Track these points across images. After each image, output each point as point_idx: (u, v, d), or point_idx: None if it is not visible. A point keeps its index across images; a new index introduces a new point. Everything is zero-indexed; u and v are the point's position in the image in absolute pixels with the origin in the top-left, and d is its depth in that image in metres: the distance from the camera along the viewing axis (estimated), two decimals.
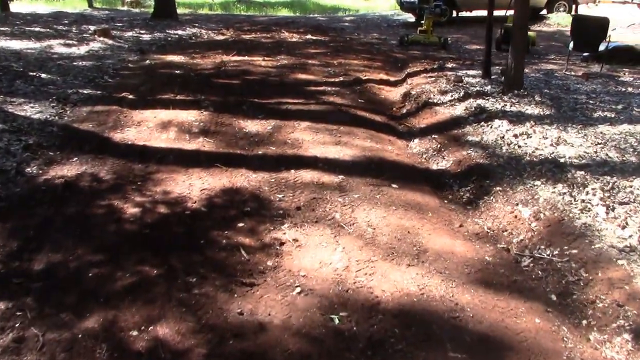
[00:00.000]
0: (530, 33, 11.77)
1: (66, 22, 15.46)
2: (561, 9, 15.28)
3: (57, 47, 11.07)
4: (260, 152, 5.59)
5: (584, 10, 15.51)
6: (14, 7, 18.89)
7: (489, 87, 7.73)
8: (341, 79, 8.96)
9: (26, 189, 4.71)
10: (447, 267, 3.63)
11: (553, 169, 4.95)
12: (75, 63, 9.52)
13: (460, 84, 8.02)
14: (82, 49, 10.95)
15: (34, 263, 3.56)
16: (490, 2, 8.46)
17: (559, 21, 14.43)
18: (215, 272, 3.46)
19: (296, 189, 4.74)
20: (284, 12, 21.67)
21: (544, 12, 15.46)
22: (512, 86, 7.41)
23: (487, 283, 3.51)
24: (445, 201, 4.83)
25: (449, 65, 9.81)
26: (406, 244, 3.88)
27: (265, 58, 10.36)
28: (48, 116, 6.51)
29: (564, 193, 4.49)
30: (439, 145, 6.07)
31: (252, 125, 6.37)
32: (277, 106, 7.15)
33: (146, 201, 4.46)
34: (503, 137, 5.84)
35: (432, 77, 8.81)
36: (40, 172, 5.04)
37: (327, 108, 7.06)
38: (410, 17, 16.90)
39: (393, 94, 8.37)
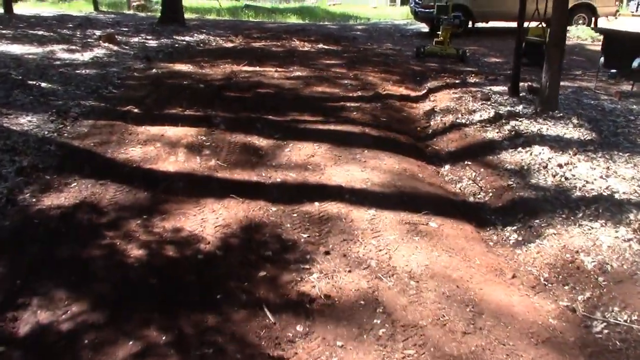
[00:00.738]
0: None
1: (71, 25, 14.91)
2: (580, 22, 14.67)
3: (60, 52, 10.50)
4: (278, 179, 5.00)
5: (604, 23, 14.92)
6: (17, 9, 18.35)
7: (520, 106, 7.13)
8: (359, 93, 8.37)
9: (17, 221, 4.12)
10: (509, 335, 3.03)
11: (610, 208, 4.36)
12: (78, 71, 8.95)
13: (488, 103, 7.43)
14: (86, 56, 10.37)
15: (20, 324, 2.97)
16: (520, 12, 7.90)
17: (579, 34, 13.83)
18: (235, 342, 2.87)
19: (322, 226, 4.15)
20: (293, 19, 21.11)
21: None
22: (546, 107, 6.83)
23: (559, 358, 2.90)
24: (491, 243, 4.23)
25: (472, 79, 9.22)
26: (457, 302, 3.27)
27: (278, 69, 9.77)
28: (46, 132, 5.93)
29: (630, 239, 3.90)
30: (474, 174, 5.48)
31: (268, 147, 5.78)
32: (294, 124, 6.56)
33: (153, 240, 3.87)
34: (546, 167, 5.25)
35: (455, 93, 8.22)
36: (34, 200, 4.45)
37: (348, 128, 6.47)
38: (423, 27, 16.31)
39: (416, 111, 7.78)
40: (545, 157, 5.45)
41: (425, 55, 11.92)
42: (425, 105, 7.91)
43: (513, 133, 6.15)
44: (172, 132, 6.09)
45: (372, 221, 4.22)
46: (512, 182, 5.08)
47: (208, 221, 4.18)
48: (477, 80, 9.24)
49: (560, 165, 5.24)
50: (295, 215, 4.33)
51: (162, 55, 11.34)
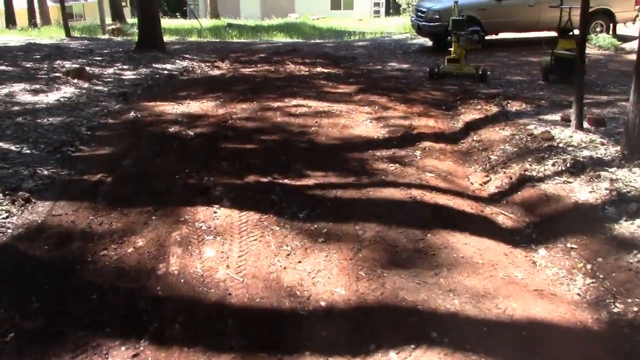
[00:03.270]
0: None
1: (38, 56, 13.07)
2: (597, 29, 13.12)
3: (21, 94, 8.70)
4: (321, 312, 3.24)
5: (622, 29, 13.41)
6: None
7: (601, 149, 5.48)
8: (384, 132, 6.69)
9: None
10: None
11: None
12: (39, 120, 7.16)
13: (553, 143, 5.78)
14: (52, 97, 8.57)
15: None
16: (582, 23, 6.26)
17: (600, 43, 12.27)
18: None
19: None
20: (280, 37, 19.37)
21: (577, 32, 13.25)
22: (636, 149, 5.16)
23: None
24: None
25: (511, 107, 7.58)
26: None
27: (279, 103, 8.05)
28: None
29: None
30: (588, 266, 3.76)
31: (293, 238, 4.05)
32: (320, 192, 4.83)
33: None
34: None
35: (502, 128, 6.58)
36: None
37: (393, 195, 4.76)
38: (425, 41, 14.68)
39: (460, 156, 6.08)
40: None
41: (440, 76, 10.28)
42: (472, 148, 6.21)
43: (614, 194, 4.47)
44: (159, 212, 4.33)
45: None
46: None
47: None
48: (517, 108, 7.60)
49: None
50: None
51: (141, 90, 9.56)
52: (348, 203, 4.60)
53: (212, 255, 3.76)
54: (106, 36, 19.76)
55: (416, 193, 4.77)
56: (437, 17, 12.93)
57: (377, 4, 40.70)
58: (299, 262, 3.69)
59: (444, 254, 3.80)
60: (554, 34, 14.31)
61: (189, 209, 4.45)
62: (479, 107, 7.84)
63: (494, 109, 7.60)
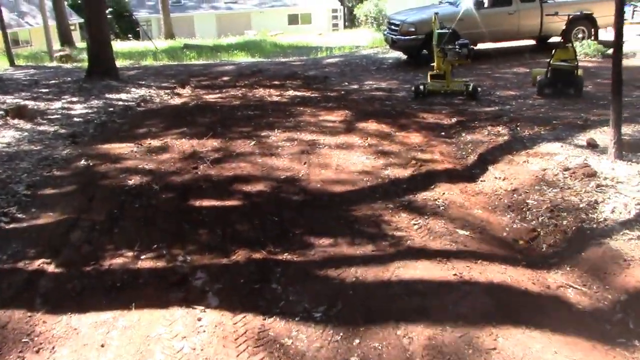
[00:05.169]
0: (579, 71, 8.72)
1: None
2: (580, 35, 12.30)
3: None
4: None
5: (603, 35, 12.63)
6: None
7: None
8: (388, 173, 5.55)
9: None
10: None
11: None
12: None
13: (599, 180, 4.69)
14: None
15: None
16: (618, 32, 5.25)
17: (586, 51, 11.42)
18: None
19: None
20: (241, 57, 18.06)
21: (557, 39, 12.38)
22: None
23: None
24: None
25: (525, 132, 6.52)
26: None
27: (256, 140, 6.81)
28: None
29: None
30: None
31: (312, 351, 2.78)
32: (334, 273, 3.62)
33: None
34: None
35: (523, 160, 5.50)
36: None
37: (432, 273, 3.59)
38: (401, 56, 13.64)
39: (487, 200, 4.92)
40: None
41: (426, 95, 9.20)
42: (498, 189, 5.07)
43: None
44: (123, 321, 3.04)
45: None
46: None
47: None
48: (529, 131, 6.54)
49: None
50: None
51: (94, 128, 8.16)
52: (376, 290, 3.38)
53: None
54: (54, 63, 18.12)
55: (460, 267, 3.59)
56: (413, 29, 11.91)
57: (335, 17, 39.83)
58: None
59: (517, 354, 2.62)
60: (532, 42, 13.52)
61: (162, 314, 3.16)
62: (484, 131, 6.76)
63: (504, 133, 6.54)
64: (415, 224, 4.30)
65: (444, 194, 4.96)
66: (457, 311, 3.13)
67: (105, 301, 3.35)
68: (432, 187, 5.15)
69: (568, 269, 3.74)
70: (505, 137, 6.42)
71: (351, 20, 39.67)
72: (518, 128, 6.70)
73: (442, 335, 2.93)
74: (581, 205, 4.34)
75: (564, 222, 4.20)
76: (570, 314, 3.26)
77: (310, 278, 3.53)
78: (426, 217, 4.45)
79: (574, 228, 4.10)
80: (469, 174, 5.60)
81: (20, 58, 19.09)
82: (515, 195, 4.87)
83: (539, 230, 4.26)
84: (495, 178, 5.33)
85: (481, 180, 5.39)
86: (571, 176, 4.91)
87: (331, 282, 3.47)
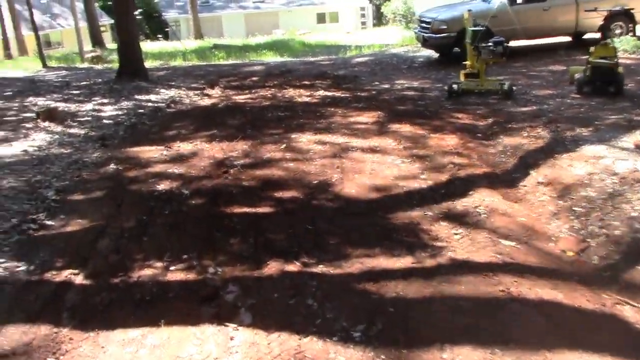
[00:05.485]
0: (620, 68, 8.33)
1: (9, 93, 11.57)
2: (617, 31, 11.84)
3: None
4: None
5: None
6: None
7: None
8: (425, 177, 5.37)
9: None
10: None
11: None
12: None
13: None
14: (17, 147, 7.10)
15: None
16: None
17: (624, 47, 10.96)
18: None
19: None
20: (270, 56, 17.93)
21: (598, 35, 11.96)
22: None
23: None
24: None
25: (564, 133, 6.19)
26: None
27: (287, 142, 6.65)
28: None
29: None
30: None
31: None
32: (373, 287, 3.41)
33: None
34: None
35: (567, 163, 5.21)
36: None
37: (478, 288, 3.38)
38: (432, 54, 13.34)
39: (530, 207, 4.65)
40: None
41: (460, 94, 8.92)
42: (541, 195, 4.80)
43: None
44: (152, 339, 2.88)
45: None
46: None
47: None
48: (571, 133, 6.23)
49: None
50: None
51: (123, 130, 8.10)
52: (417, 307, 3.16)
53: None
54: (85, 64, 18.25)
55: (507, 282, 3.35)
56: (445, 27, 11.62)
57: (362, 15, 39.52)
58: None
59: None
60: (567, 39, 13.11)
61: (193, 332, 3.00)
62: (523, 133, 6.47)
63: (544, 135, 6.25)
64: (456, 234, 4.07)
65: (484, 200, 4.70)
66: (506, 332, 2.90)
67: (133, 316, 3.20)
68: (471, 193, 4.90)
69: (623, 284, 3.47)
70: (546, 139, 6.14)
71: (379, 18, 39.31)
72: (558, 129, 6.39)
73: (492, 359, 2.70)
74: (634, 214, 4.05)
75: (617, 232, 3.93)
76: (628, 334, 3.00)
77: (348, 293, 3.33)
78: (467, 226, 4.21)
79: (627, 238, 3.82)
80: (510, 178, 5.33)
81: (53, 59, 19.29)
82: (560, 201, 4.60)
83: (588, 240, 3.98)
84: (538, 183, 5.05)
85: (523, 186, 5.12)
86: (620, 181, 4.62)
87: (370, 298, 3.26)
